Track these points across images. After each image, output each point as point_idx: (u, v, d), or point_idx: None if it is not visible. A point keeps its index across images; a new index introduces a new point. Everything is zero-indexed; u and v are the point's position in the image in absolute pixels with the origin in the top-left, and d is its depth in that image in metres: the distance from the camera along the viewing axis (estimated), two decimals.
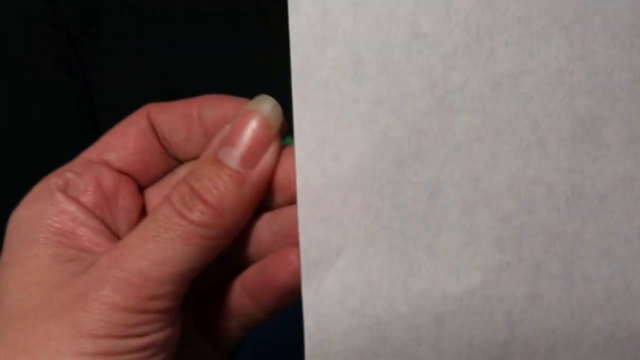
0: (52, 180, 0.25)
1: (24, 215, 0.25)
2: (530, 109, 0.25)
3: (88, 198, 0.25)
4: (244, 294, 0.25)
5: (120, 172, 0.26)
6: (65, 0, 0.40)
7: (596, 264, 0.26)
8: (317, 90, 0.25)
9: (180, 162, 0.27)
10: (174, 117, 0.26)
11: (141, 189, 0.27)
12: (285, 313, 0.27)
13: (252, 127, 0.24)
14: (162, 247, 0.22)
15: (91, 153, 0.26)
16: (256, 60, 0.40)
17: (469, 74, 0.25)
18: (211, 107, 0.26)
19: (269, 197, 0.25)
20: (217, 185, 0.23)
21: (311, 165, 0.25)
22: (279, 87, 0.42)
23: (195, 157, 0.26)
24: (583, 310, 0.27)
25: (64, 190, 0.25)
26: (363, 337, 0.26)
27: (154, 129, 0.26)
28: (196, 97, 0.26)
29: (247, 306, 0.26)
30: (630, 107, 0.25)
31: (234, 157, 0.23)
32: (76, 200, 0.25)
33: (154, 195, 0.27)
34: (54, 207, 0.24)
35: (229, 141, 0.23)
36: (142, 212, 0.26)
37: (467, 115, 0.25)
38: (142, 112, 0.27)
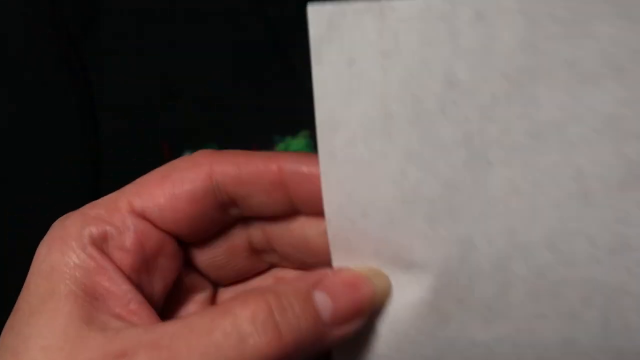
0: (88, 230, 0.23)
1: (55, 261, 0.23)
2: (573, 158, 0.23)
3: (127, 260, 0.23)
4: None
5: (165, 231, 0.24)
6: (65, 0, 0.40)
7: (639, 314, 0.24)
8: (343, 146, 0.24)
9: (238, 217, 0.25)
10: (247, 177, 0.24)
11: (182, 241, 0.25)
12: None
13: (361, 295, 0.23)
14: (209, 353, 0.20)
15: (134, 200, 0.23)
16: (256, 60, 0.40)
17: (508, 124, 0.23)
18: (299, 179, 0.24)
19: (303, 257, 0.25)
20: (300, 326, 0.21)
21: (341, 220, 0.24)
22: (279, 87, 0.42)
23: (265, 215, 0.24)
24: (622, 357, 0.25)
25: (101, 244, 0.23)
26: None
27: (212, 188, 0.24)
28: (273, 152, 0.24)
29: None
30: None
31: (329, 308, 0.22)
32: (114, 260, 0.23)
33: (200, 256, 0.25)
34: (89, 263, 0.22)
35: (332, 290, 0.22)
36: (181, 272, 0.25)
37: (504, 167, 0.23)
38: (198, 164, 0.24)
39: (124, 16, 0.41)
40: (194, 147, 0.40)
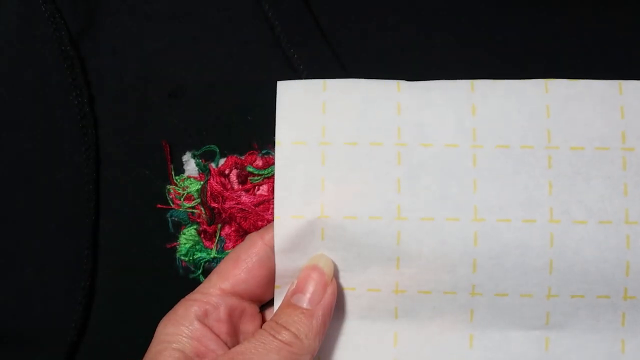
0: (195, 308, 0.33)
1: (170, 331, 0.33)
2: None
3: (222, 329, 0.34)
4: None
5: (246, 299, 0.35)
6: (65, 0, 0.40)
7: None
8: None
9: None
10: None
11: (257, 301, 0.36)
12: None
13: (314, 278, 0.33)
14: (262, 355, 0.31)
15: (222, 284, 0.34)
16: (257, 60, 0.40)
17: None
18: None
19: None
20: (294, 320, 0.32)
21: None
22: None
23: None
24: None
25: (203, 319, 0.33)
26: None
27: (269, 252, 0.35)
28: None
29: None
30: None
31: (304, 300, 0.33)
32: (212, 330, 0.33)
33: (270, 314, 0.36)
34: (195, 332, 0.33)
35: (299, 289, 0.33)
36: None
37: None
38: (254, 240, 0.35)
39: (124, 16, 0.40)
40: (195, 147, 0.40)
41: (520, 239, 0.33)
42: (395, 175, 0.33)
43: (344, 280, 0.34)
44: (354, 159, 0.34)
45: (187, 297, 0.34)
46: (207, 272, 0.40)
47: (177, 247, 0.40)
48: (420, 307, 0.34)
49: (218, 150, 0.40)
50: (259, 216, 0.40)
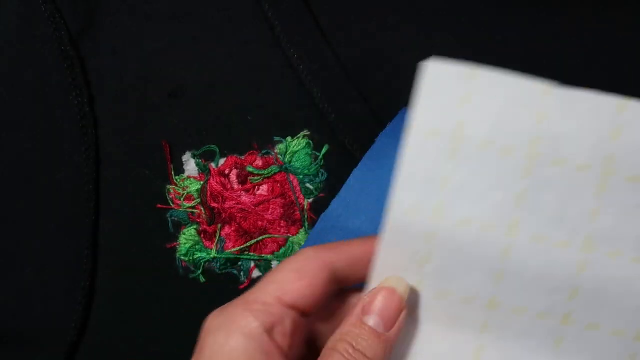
0: (260, 322, 0.31)
1: (237, 345, 0.30)
2: None
3: (285, 342, 0.31)
4: None
5: (305, 315, 0.32)
6: (65, 0, 0.40)
7: None
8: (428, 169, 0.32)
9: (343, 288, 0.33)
10: (353, 260, 0.33)
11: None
12: None
13: (393, 302, 0.32)
14: None
15: (284, 297, 0.31)
16: (257, 60, 0.40)
17: None
18: None
19: None
20: (373, 345, 0.31)
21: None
22: (280, 88, 0.42)
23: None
24: None
25: (271, 332, 0.31)
26: None
27: (329, 273, 0.32)
28: (368, 237, 0.33)
29: None
30: None
31: (380, 324, 0.31)
32: (278, 344, 0.31)
33: (323, 329, 0.34)
34: (264, 346, 0.30)
35: (377, 311, 0.31)
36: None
37: None
38: (312, 257, 0.33)
39: (124, 16, 0.40)
40: (195, 147, 0.40)
41: (625, 277, 0.32)
42: (518, 187, 0.32)
43: (438, 285, 0.33)
44: (482, 162, 0.32)
45: (241, 305, 0.31)
46: (207, 272, 0.40)
47: (177, 247, 0.40)
48: (510, 326, 0.33)
49: (218, 150, 0.40)
50: (259, 216, 0.40)
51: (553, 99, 0.32)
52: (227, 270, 0.40)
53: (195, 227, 0.40)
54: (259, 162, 0.40)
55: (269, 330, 0.30)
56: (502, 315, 0.32)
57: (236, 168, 0.40)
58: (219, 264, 0.40)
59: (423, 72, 0.31)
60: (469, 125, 0.32)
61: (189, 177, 0.40)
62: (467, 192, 0.32)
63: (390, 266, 0.33)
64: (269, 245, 0.40)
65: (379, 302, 0.31)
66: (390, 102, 0.41)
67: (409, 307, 0.32)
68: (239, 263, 0.40)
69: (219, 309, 0.31)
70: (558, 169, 0.31)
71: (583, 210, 0.31)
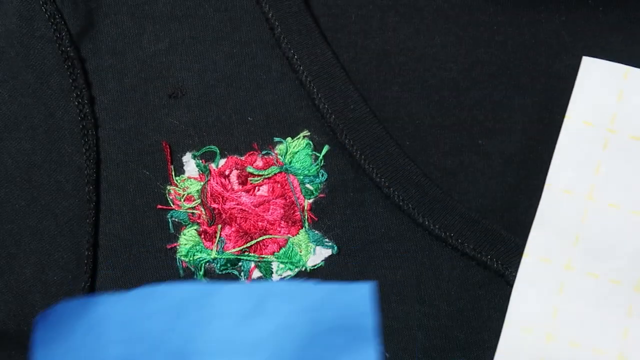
0: None
1: None
2: None
3: None
4: None
5: None
6: (66, 0, 0.40)
7: None
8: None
9: None
10: None
11: None
12: None
13: None
14: None
15: None
16: (257, 60, 0.40)
17: None
18: None
19: None
20: None
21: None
22: (280, 88, 0.42)
23: None
24: None
25: None
26: None
27: None
28: None
29: None
30: None
31: None
32: None
33: None
34: None
35: None
36: None
37: None
38: None
39: (124, 16, 0.40)
40: (195, 147, 0.40)
41: None
42: None
43: (588, 266, 0.34)
44: (633, 154, 0.34)
45: None
46: (207, 273, 0.40)
47: (178, 247, 0.40)
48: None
49: (218, 150, 0.40)
50: (259, 217, 0.40)
51: None
52: (227, 271, 0.40)
53: (195, 227, 0.40)
54: (259, 163, 0.40)
55: None
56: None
57: (236, 169, 0.40)
58: (219, 265, 0.40)
59: (582, 67, 0.35)
60: (621, 119, 0.34)
61: (189, 178, 0.40)
62: (618, 179, 0.34)
63: (541, 246, 0.34)
64: (269, 245, 0.40)
65: None
66: (391, 102, 0.41)
67: (560, 282, 0.34)
68: (239, 264, 0.40)
69: None
70: None
71: None
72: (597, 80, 0.35)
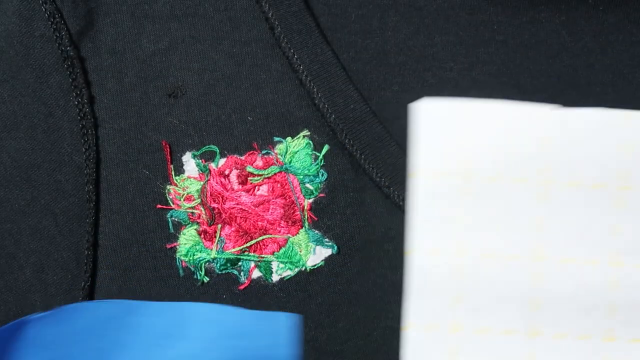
0: None
1: None
2: None
3: None
4: None
5: None
6: (65, 0, 0.40)
7: None
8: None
9: None
10: None
11: None
12: None
13: None
14: None
15: None
16: (257, 60, 0.40)
17: None
18: None
19: None
20: None
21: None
22: (280, 88, 0.42)
23: None
24: None
25: None
26: None
27: None
28: None
29: None
30: None
31: None
32: None
33: None
34: None
35: None
36: None
37: None
38: None
39: (124, 16, 0.40)
40: (194, 147, 0.40)
41: None
42: (537, 213, 0.32)
43: (476, 322, 0.32)
44: (495, 194, 0.32)
45: None
46: (207, 273, 0.40)
47: (177, 247, 0.40)
48: (554, 353, 0.32)
49: (218, 150, 0.40)
50: (259, 216, 0.40)
51: (554, 121, 0.31)
52: (227, 271, 0.40)
53: (195, 227, 0.40)
54: (259, 163, 0.40)
55: None
56: (545, 344, 0.32)
57: (236, 168, 0.40)
58: (219, 264, 0.40)
59: (416, 113, 0.31)
60: (475, 160, 0.31)
61: (189, 178, 0.40)
62: (486, 226, 0.31)
63: (421, 313, 0.32)
64: (269, 245, 0.40)
65: None
66: (391, 102, 0.41)
67: (451, 347, 0.31)
68: (239, 263, 0.40)
69: None
70: (574, 190, 0.31)
71: (604, 226, 0.31)
72: (440, 125, 0.32)
